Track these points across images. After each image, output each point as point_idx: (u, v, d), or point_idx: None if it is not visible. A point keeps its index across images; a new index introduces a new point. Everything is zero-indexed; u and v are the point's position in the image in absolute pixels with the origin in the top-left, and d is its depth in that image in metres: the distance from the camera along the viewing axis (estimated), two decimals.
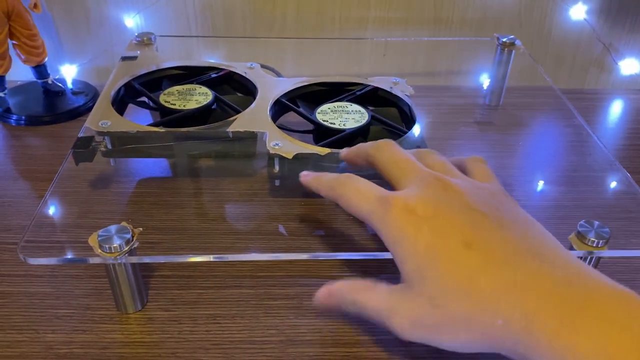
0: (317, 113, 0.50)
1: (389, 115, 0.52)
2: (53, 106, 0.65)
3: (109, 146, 0.45)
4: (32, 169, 0.55)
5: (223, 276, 0.43)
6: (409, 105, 0.52)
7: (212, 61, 0.58)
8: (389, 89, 0.54)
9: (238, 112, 0.50)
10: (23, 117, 0.62)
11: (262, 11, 0.70)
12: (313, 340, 0.38)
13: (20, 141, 0.60)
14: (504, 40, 0.65)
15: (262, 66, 0.57)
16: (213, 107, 0.51)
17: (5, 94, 0.63)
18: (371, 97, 0.54)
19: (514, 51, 0.65)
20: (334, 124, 0.48)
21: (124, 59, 0.57)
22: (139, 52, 0.58)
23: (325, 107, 0.51)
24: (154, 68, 0.55)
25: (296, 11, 0.70)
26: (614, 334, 0.23)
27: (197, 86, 0.53)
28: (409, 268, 0.29)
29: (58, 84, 0.67)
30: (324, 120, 0.49)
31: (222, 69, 0.56)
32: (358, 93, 0.53)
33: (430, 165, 0.34)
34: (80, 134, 0.45)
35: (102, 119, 0.46)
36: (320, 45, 0.73)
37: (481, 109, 0.69)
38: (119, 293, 0.38)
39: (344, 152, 0.39)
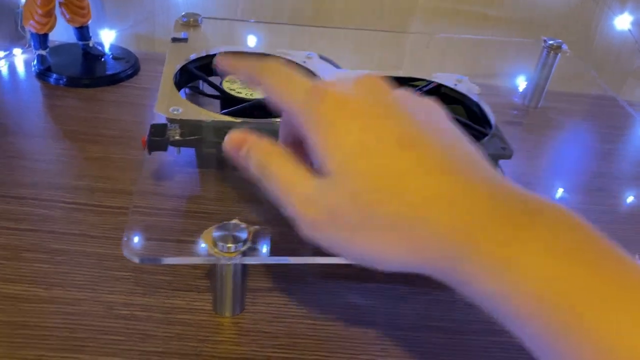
0: None
1: (457, 114, 0.51)
2: (93, 69, 0.64)
3: (178, 136, 0.43)
4: (75, 129, 0.54)
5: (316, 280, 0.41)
6: (477, 104, 0.51)
7: (264, 49, 0.56)
8: (453, 86, 0.53)
9: None
10: (64, 77, 0.61)
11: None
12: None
13: (61, 101, 0.58)
14: (551, 43, 0.65)
15: (320, 56, 0.56)
16: None
17: (47, 52, 0.62)
18: (435, 95, 0.54)
19: (559, 54, 0.66)
20: None
21: (174, 40, 0.55)
22: (186, 33, 0.56)
23: None
24: (205, 53, 0.53)
25: None
26: (553, 245, 0.22)
27: None
28: (334, 160, 0.25)
29: (99, 47, 0.66)
30: None
31: (278, 57, 0.55)
32: (424, 89, 0.53)
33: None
34: (153, 121, 0.43)
35: (170, 105, 0.44)
36: (362, 36, 0.73)
37: (519, 110, 0.69)
38: (223, 294, 0.36)
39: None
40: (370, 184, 0.24)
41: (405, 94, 0.29)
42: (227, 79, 0.50)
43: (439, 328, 0.38)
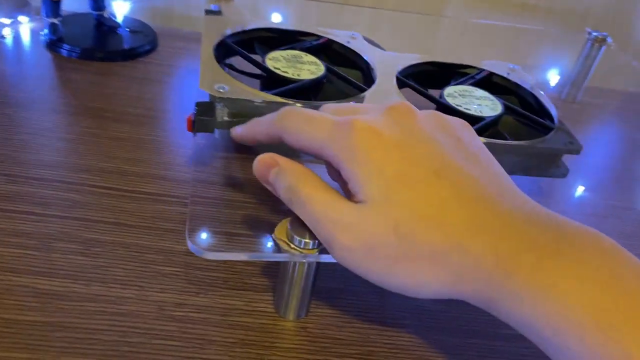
0: (445, 96, 0.45)
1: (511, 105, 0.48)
2: (108, 42, 0.59)
3: (226, 116, 0.38)
4: (97, 106, 0.48)
5: None
6: (534, 96, 0.48)
7: (303, 26, 0.52)
8: (506, 75, 0.50)
9: (359, 88, 0.44)
10: (77, 49, 0.55)
11: None
12: None
13: (77, 74, 0.53)
14: (596, 35, 0.63)
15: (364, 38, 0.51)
16: (324, 79, 0.45)
17: (60, 21, 0.56)
18: (486, 84, 0.50)
19: (604, 47, 0.63)
20: (469, 110, 0.44)
21: (208, 12, 0.50)
22: (217, 6, 0.51)
23: (451, 89, 0.46)
24: (240, 28, 0.49)
25: None
26: (591, 272, 0.22)
27: (302, 53, 0.47)
28: (373, 186, 0.25)
29: (114, 18, 0.61)
30: (457, 105, 0.44)
31: (320, 36, 0.51)
32: (476, 78, 0.49)
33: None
34: (181, 100, 0.39)
35: (215, 82, 0.39)
36: (396, 17, 0.69)
37: (556, 103, 0.67)
38: (290, 295, 0.32)
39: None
40: (411, 213, 0.24)
41: (434, 118, 0.28)
42: (270, 56, 0.45)
43: (517, 337, 0.34)
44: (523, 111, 0.46)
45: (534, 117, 0.45)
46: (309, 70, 0.44)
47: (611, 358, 0.21)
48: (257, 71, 0.45)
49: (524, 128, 0.45)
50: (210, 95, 0.39)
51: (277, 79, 0.44)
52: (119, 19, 0.63)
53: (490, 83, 0.50)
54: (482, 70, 0.50)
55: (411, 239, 0.24)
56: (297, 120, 0.28)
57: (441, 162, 0.26)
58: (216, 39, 0.46)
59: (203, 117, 0.37)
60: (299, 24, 0.54)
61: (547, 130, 0.44)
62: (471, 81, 0.48)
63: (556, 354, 0.23)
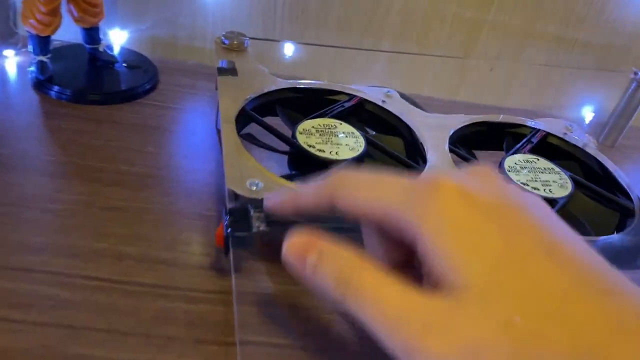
0: (507, 171, 0.38)
1: (573, 173, 0.42)
2: (103, 82, 0.53)
3: (264, 225, 0.31)
4: (89, 164, 0.42)
5: None
6: (598, 162, 0.42)
7: (330, 79, 0.46)
8: (562, 136, 0.44)
9: (407, 165, 0.38)
10: (67, 91, 0.49)
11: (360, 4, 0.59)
12: None
13: (67, 122, 0.47)
14: None
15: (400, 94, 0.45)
16: (365, 156, 0.38)
17: (48, 58, 0.50)
18: (543, 147, 0.44)
19: None
20: (537, 189, 0.37)
21: (222, 73, 0.44)
22: (232, 62, 0.45)
23: (511, 160, 0.40)
24: (260, 92, 0.42)
25: (402, 8, 0.59)
26: None
27: (335, 122, 0.40)
28: (472, 270, 0.19)
29: (110, 52, 0.54)
30: (523, 184, 0.37)
31: (351, 95, 0.44)
32: (533, 140, 0.43)
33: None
34: (229, 204, 0.30)
35: (244, 175, 0.32)
36: (417, 61, 0.63)
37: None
38: None
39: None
40: (527, 306, 0.18)
41: (516, 190, 0.22)
42: (300, 129, 0.39)
43: None
44: (596, 187, 0.39)
45: (609, 195, 0.39)
46: (347, 145, 0.38)
47: None
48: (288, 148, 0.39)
49: (597, 206, 0.39)
50: (239, 195, 0.32)
51: (312, 159, 0.37)
52: (116, 50, 0.57)
53: (547, 145, 0.45)
54: (537, 130, 0.44)
55: (530, 342, 0.18)
56: (357, 184, 0.23)
57: (548, 238, 0.20)
58: (235, 109, 0.39)
59: (239, 230, 0.30)
60: (328, 76, 0.48)
61: (624, 209, 0.38)
62: (529, 146, 0.42)
63: None
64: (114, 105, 0.50)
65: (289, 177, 0.36)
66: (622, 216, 0.38)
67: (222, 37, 0.46)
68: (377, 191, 0.22)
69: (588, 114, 0.63)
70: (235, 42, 0.46)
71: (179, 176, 0.43)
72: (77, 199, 0.39)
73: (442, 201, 0.20)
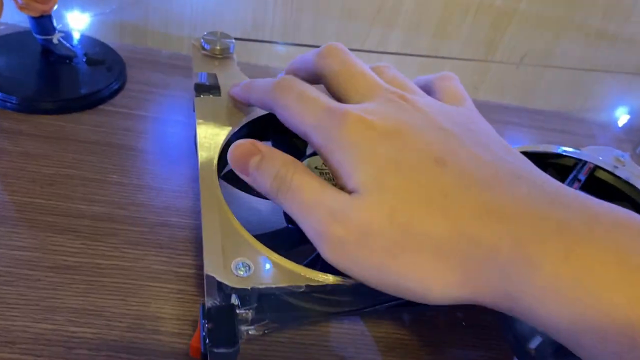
0: None
1: None
2: (58, 84, 0.44)
3: (253, 328, 0.25)
4: (38, 202, 0.34)
5: None
6: None
7: None
8: (613, 170, 0.36)
9: None
10: (13, 99, 0.41)
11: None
12: None
13: (12, 142, 0.38)
14: None
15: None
16: None
17: None
18: (590, 182, 0.37)
19: None
20: None
21: (199, 90, 0.34)
22: (214, 75, 0.36)
23: None
24: (256, 115, 0.34)
25: None
26: (633, 259, 0.19)
27: None
28: (364, 176, 0.23)
29: (67, 44, 0.45)
30: None
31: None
32: (579, 176, 0.36)
33: (388, 81, 0.28)
34: (208, 301, 0.24)
35: (234, 255, 0.25)
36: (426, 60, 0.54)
37: (625, 159, 0.54)
38: None
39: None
40: (409, 201, 0.22)
41: (435, 106, 0.27)
42: (311, 164, 0.31)
43: None
44: None
45: None
46: None
47: None
48: None
49: None
50: (222, 284, 0.24)
51: None
52: (75, 38, 0.47)
53: (595, 181, 0.37)
54: (584, 163, 0.37)
55: (410, 228, 0.22)
56: (289, 96, 0.27)
57: (443, 149, 0.23)
58: (217, 147, 0.31)
59: (221, 346, 0.22)
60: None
61: None
62: (576, 185, 0.35)
63: (589, 355, 0.19)
64: (71, 114, 0.42)
65: (290, 244, 0.29)
66: None
67: (202, 40, 0.37)
68: (301, 110, 0.26)
69: (623, 119, 0.55)
70: (218, 47, 0.37)
71: (147, 218, 0.35)
72: (18, 257, 0.31)
73: (345, 127, 0.24)
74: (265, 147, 0.26)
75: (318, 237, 0.23)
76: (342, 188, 0.24)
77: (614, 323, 0.18)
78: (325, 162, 0.25)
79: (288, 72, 0.31)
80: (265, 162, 0.25)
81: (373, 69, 0.29)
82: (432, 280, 0.22)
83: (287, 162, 0.25)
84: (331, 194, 0.23)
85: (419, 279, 0.22)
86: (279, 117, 0.28)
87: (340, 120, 0.24)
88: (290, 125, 0.27)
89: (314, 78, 0.29)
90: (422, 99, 0.27)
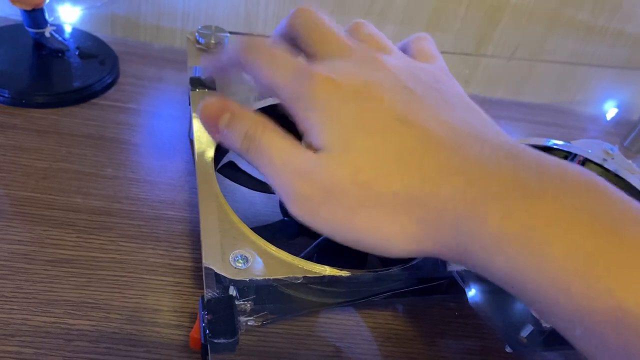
0: None
1: None
2: (51, 77, 0.44)
3: (252, 319, 0.25)
4: (31, 196, 0.34)
5: None
6: None
7: None
8: (602, 162, 0.37)
9: None
10: (6, 92, 0.40)
11: None
12: None
13: (3, 134, 0.38)
14: None
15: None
16: None
17: None
18: None
19: None
20: None
21: (195, 84, 0.35)
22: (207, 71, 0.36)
23: None
24: (254, 107, 0.34)
25: None
26: (572, 214, 0.20)
27: None
28: (330, 136, 0.24)
29: (59, 38, 0.45)
30: None
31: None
32: None
33: (364, 39, 0.29)
34: (207, 293, 0.24)
35: (232, 248, 0.26)
36: None
37: (612, 152, 0.55)
38: None
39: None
40: (371, 160, 0.23)
41: (403, 65, 0.27)
42: None
43: None
44: None
45: None
46: None
47: (597, 310, 0.19)
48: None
49: None
50: (221, 276, 0.25)
51: None
52: (67, 31, 0.47)
53: None
54: (573, 155, 0.37)
55: (371, 187, 0.23)
56: (260, 55, 0.27)
57: (407, 109, 0.24)
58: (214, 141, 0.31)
59: (218, 335, 0.23)
60: None
61: None
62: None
63: (545, 311, 0.21)
64: (64, 108, 0.42)
65: (287, 236, 0.29)
66: None
67: (197, 34, 0.37)
68: (272, 67, 0.26)
69: (612, 112, 0.56)
70: (212, 40, 0.37)
71: (143, 211, 0.35)
72: (14, 251, 0.31)
73: (312, 87, 0.24)
74: (236, 105, 0.26)
75: (286, 196, 0.24)
76: (309, 145, 0.25)
77: (551, 275, 0.20)
78: (294, 119, 0.26)
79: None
80: (235, 120, 0.26)
81: (351, 26, 0.30)
82: (392, 235, 0.23)
83: (256, 121, 0.26)
84: (298, 153, 0.24)
85: (380, 234, 0.23)
86: (248, 74, 0.28)
87: (309, 80, 0.25)
88: (259, 83, 0.27)
89: (291, 42, 0.30)
90: (391, 57, 0.27)
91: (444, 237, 0.22)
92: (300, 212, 0.24)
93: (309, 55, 0.28)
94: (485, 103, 0.51)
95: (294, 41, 0.29)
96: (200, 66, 0.30)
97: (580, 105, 0.58)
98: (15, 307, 0.29)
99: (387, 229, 0.23)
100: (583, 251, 0.19)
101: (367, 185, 0.23)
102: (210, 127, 0.26)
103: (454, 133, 0.23)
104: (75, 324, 0.28)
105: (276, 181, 0.24)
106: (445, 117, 0.24)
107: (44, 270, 0.31)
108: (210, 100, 0.26)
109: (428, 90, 0.26)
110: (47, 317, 0.28)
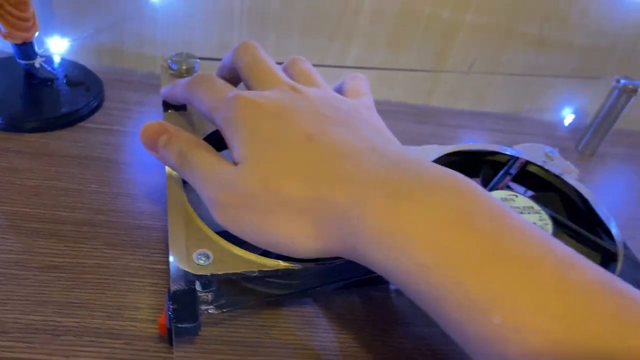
0: None
1: (553, 206, 0.38)
2: (41, 104, 0.47)
3: (213, 307, 0.29)
4: (24, 211, 0.38)
5: None
6: (579, 195, 0.39)
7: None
8: (542, 164, 0.41)
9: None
10: (0, 120, 0.44)
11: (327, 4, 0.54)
12: None
13: None
14: (626, 83, 0.53)
15: None
16: None
17: None
18: (522, 176, 0.41)
19: (633, 98, 0.54)
20: None
21: (167, 105, 0.38)
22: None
23: None
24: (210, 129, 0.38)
25: (373, 9, 0.55)
26: (440, 214, 0.23)
27: None
28: (246, 150, 0.27)
29: (48, 68, 0.49)
30: None
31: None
32: (510, 171, 0.40)
33: (296, 74, 0.33)
34: (172, 286, 0.28)
35: (195, 247, 0.29)
36: (384, 77, 0.58)
37: (569, 156, 0.58)
38: None
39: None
40: (280, 170, 0.26)
41: (323, 95, 0.30)
42: None
43: None
44: (576, 227, 0.36)
45: (590, 236, 0.36)
46: None
47: (450, 298, 0.22)
48: None
49: (578, 247, 0.36)
50: (184, 271, 0.28)
51: None
52: (56, 61, 0.51)
53: (527, 174, 0.41)
54: (515, 159, 0.41)
55: (278, 193, 0.26)
56: (201, 86, 0.31)
57: (315, 128, 0.27)
58: None
59: (182, 320, 0.27)
60: None
61: (606, 252, 0.35)
62: (508, 178, 0.39)
63: (416, 299, 0.24)
64: (53, 132, 0.45)
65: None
66: (603, 259, 0.35)
67: (169, 61, 0.41)
68: (208, 99, 0.30)
69: (568, 119, 0.60)
70: (184, 66, 0.41)
71: (125, 222, 0.39)
72: (7, 259, 0.35)
73: (235, 108, 0.28)
74: (174, 127, 0.30)
75: (211, 204, 0.28)
76: (234, 161, 0.28)
77: (415, 269, 0.23)
78: (225, 140, 0.29)
79: (217, 70, 0.36)
80: (172, 140, 0.30)
81: (289, 61, 0.34)
82: (296, 235, 0.26)
83: (189, 140, 0.30)
84: (221, 167, 0.28)
85: (286, 235, 0.26)
86: (192, 104, 0.32)
87: (233, 103, 0.29)
88: (201, 112, 0.31)
89: (235, 73, 0.34)
90: (314, 90, 0.31)
91: (338, 237, 0.25)
92: (223, 219, 0.27)
93: (248, 86, 0.32)
94: (448, 114, 0.55)
95: (236, 71, 0.34)
96: (160, 95, 0.36)
97: (538, 113, 0.62)
98: (8, 308, 0.32)
99: (291, 231, 0.26)
100: (444, 246, 0.22)
101: (275, 191, 0.26)
102: (150, 146, 0.31)
103: (353, 148, 0.27)
104: (62, 322, 0.32)
105: (203, 192, 0.28)
106: (349, 136, 0.27)
107: (34, 275, 0.34)
108: (150, 123, 0.31)
109: (341, 116, 0.29)
110: (37, 316, 0.32)
